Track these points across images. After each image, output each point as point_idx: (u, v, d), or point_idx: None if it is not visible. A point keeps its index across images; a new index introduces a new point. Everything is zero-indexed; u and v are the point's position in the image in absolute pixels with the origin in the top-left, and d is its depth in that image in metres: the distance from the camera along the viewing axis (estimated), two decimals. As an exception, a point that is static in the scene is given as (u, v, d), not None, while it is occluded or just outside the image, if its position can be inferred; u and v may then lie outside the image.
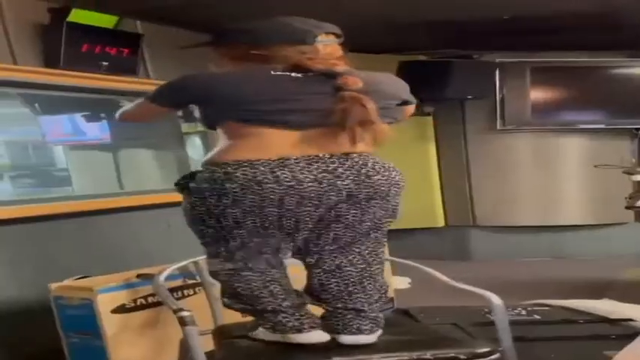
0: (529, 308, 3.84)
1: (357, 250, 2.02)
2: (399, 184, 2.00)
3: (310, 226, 1.95)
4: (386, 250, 2.21)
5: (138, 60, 4.77)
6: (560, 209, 7.09)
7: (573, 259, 6.75)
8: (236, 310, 2.08)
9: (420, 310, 3.69)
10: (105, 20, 4.65)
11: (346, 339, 2.01)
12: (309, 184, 1.87)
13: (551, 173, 7.02)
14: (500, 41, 6.14)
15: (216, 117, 2.00)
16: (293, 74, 1.94)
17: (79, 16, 4.42)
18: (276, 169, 1.85)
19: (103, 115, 5.12)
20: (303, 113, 1.93)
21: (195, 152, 5.36)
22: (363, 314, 2.01)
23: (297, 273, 2.14)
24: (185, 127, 5.27)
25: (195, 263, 2.85)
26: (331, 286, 2.02)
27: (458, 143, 7.03)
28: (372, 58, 6.16)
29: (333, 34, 2.05)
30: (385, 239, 2.10)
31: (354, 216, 1.95)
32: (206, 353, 2.04)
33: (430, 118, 6.96)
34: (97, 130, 5.11)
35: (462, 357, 1.99)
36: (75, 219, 4.35)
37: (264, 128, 1.91)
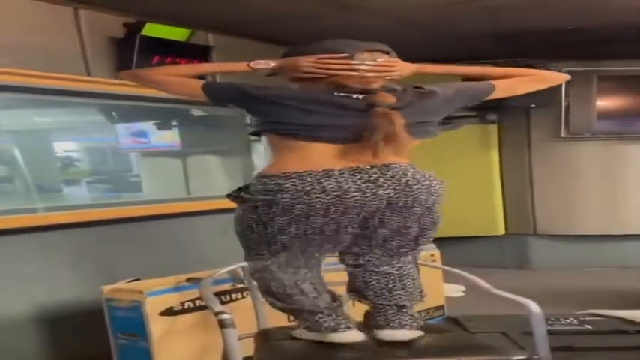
0: (581, 318, 3.79)
1: (399, 253, 2.12)
2: (438, 193, 2.07)
3: (351, 231, 2.05)
4: (437, 256, 2.26)
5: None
6: (624, 218, 6.92)
7: (636, 269, 6.47)
8: (277, 308, 2.19)
9: (470, 319, 3.67)
10: (178, 34, 4.80)
11: (388, 333, 2.11)
12: (354, 193, 1.97)
13: (616, 182, 6.88)
14: (566, 50, 6.06)
15: (260, 127, 2.16)
16: (336, 93, 2.04)
17: (153, 30, 4.58)
18: (322, 180, 1.97)
19: (174, 123, 5.31)
20: (339, 130, 2.03)
21: (261, 160, 5.44)
22: (404, 309, 2.12)
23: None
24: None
25: (243, 267, 2.90)
26: (373, 283, 2.13)
27: (521, 151, 6.97)
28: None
29: (380, 51, 2.13)
30: (425, 242, 2.16)
31: (396, 222, 2.04)
32: (247, 357, 2.10)
33: (494, 126, 6.92)
34: (168, 138, 5.30)
35: None
36: (143, 222, 4.49)
37: (306, 142, 2.03)
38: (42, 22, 4.13)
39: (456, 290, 4.95)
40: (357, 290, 2.18)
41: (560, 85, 6.47)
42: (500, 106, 6.17)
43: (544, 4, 4.79)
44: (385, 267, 2.12)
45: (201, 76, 2.27)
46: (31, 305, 3.85)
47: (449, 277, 3.62)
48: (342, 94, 2.04)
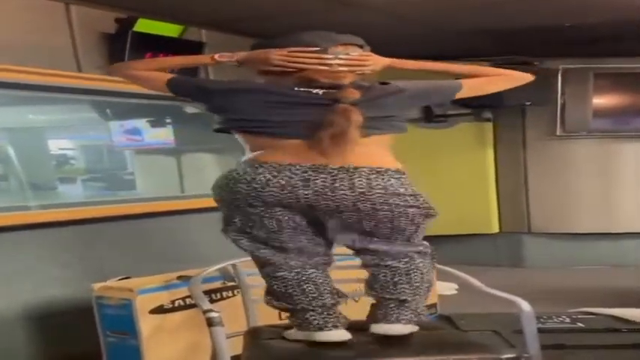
0: (573, 316, 3.80)
1: (393, 244, 2.09)
2: (370, 199, 2.00)
3: (309, 228, 2.06)
4: None
5: (199, 68, 4.86)
6: (619, 216, 6.93)
7: (632, 267, 6.57)
8: (274, 307, 2.18)
9: (462, 317, 3.67)
10: (170, 29, 4.78)
11: (381, 328, 2.09)
12: (272, 188, 1.97)
13: (611, 180, 6.89)
14: (563, 48, 6.06)
15: (222, 124, 2.17)
16: (295, 88, 2.03)
17: (145, 25, 4.55)
18: (249, 169, 2.00)
19: (167, 120, 5.29)
20: (299, 125, 2.02)
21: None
22: (406, 304, 2.09)
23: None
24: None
25: (234, 265, 2.89)
26: (380, 277, 2.11)
27: (516, 149, 6.96)
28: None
29: (353, 44, 2.10)
30: (419, 234, 2.13)
31: (341, 223, 2.04)
32: (237, 356, 2.09)
33: (490, 124, 6.90)
34: (162, 135, 5.27)
35: None
36: (136, 220, 4.48)
37: (262, 138, 2.04)
38: (33, 17, 4.10)
39: (449, 288, 4.95)
40: (368, 283, 2.17)
41: (556, 83, 6.49)
42: (495, 104, 6.17)
43: (542, 0, 4.78)
44: (391, 262, 2.09)
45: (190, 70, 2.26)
46: (20, 303, 3.83)
47: (442, 276, 3.60)
48: (302, 88, 2.03)
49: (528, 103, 6.48)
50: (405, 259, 2.09)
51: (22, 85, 3.98)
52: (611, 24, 5.26)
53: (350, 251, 2.20)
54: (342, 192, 1.97)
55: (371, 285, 2.14)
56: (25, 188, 4.36)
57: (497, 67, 2.33)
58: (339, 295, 2.16)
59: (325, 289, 2.11)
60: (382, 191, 1.99)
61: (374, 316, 2.13)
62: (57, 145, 5.25)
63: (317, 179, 1.97)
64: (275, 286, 2.11)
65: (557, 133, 6.76)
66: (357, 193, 1.97)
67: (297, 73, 2.06)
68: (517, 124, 6.84)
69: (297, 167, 1.98)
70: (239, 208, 2.04)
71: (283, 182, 1.97)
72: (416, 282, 2.11)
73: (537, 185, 6.96)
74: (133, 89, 4.37)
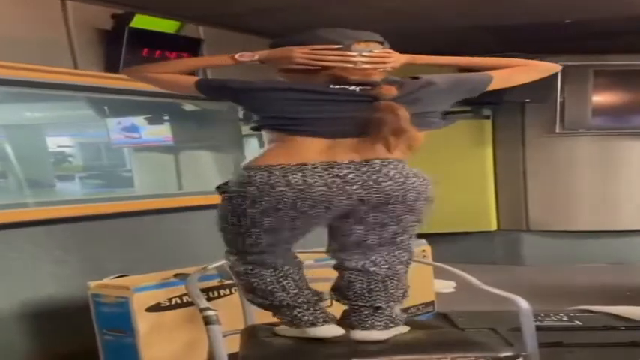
0: (571, 314, 3.81)
1: (381, 252, 2.08)
2: (417, 190, 2.01)
3: (319, 226, 2.06)
4: (428, 252, 2.22)
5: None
6: (617, 214, 6.90)
7: (631, 265, 6.58)
8: (256, 305, 2.18)
9: (460, 314, 3.68)
10: (167, 26, 4.73)
11: (358, 334, 2.09)
12: (319, 188, 1.94)
13: (610, 178, 6.86)
14: (563, 45, 6.00)
15: (256, 122, 2.11)
16: (331, 86, 2.00)
17: (141, 21, 4.51)
18: (288, 174, 1.94)
19: (165, 117, 5.27)
20: (332, 123, 2.00)
21: (253, 155, 5.39)
22: (380, 311, 2.09)
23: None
24: (244, 130, 5.34)
25: None
26: (355, 284, 2.10)
27: (515, 146, 6.93)
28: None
29: (375, 41, 2.09)
30: (411, 242, 2.14)
31: (374, 219, 2.01)
32: (234, 354, 2.06)
33: (489, 122, 6.88)
34: (160, 133, 5.25)
35: None
36: (134, 218, 4.44)
37: (294, 136, 2.00)
38: (28, 13, 4.07)
39: (447, 286, 4.95)
40: (338, 289, 2.15)
41: (555, 80, 6.46)
42: (494, 102, 6.14)
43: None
44: (370, 267, 2.08)
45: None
46: (17, 301, 3.80)
47: (440, 273, 3.61)
48: (338, 86, 2.00)
49: (528, 101, 6.45)
50: (386, 266, 2.09)
51: (18, 82, 3.94)
52: (610, 19, 5.22)
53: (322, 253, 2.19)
54: (386, 184, 1.96)
55: (343, 292, 2.13)
56: (23, 186, 4.35)
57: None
58: (319, 293, 2.16)
59: (303, 285, 2.13)
60: (417, 180, 2.01)
61: (349, 321, 2.12)
62: (55, 143, 5.25)
63: (357, 174, 1.96)
64: (255, 284, 2.12)
65: (557, 130, 6.73)
66: (400, 184, 1.97)
67: (321, 71, 2.04)
68: (516, 121, 6.81)
69: (332, 165, 1.96)
70: (278, 212, 1.98)
71: (329, 180, 1.95)
72: (391, 289, 2.10)
73: (536, 183, 6.93)
74: (130, 86, 4.38)
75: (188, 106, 5.22)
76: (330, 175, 1.95)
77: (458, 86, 2.16)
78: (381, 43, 2.09)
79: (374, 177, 1.96)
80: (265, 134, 2.11)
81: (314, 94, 2.01)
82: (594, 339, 3.43)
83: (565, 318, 3.78)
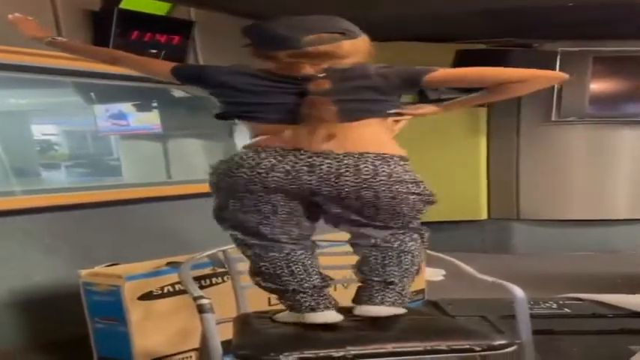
0: (560, 302, 3.86)
1: (391, 228, 2.08)
2: (373, 189, 1.99)
3: (304, 212, 2.07)
4: None
5: (187, 48, 4.75)
6: (610, 203, 6.87)
7: (621, 254, 6.59)
8: (262, 288, 2.17)
9: (450, 302, 3.69)
10: (158, 7, 4.63)
11: (365, 309, 2.09)
12: (275, 174, 1.97)
13: (602, 166, 6.82)
14: (563, 30, 5.94)
15: (219, 109, 2.16)
16: (281, 74, 2.05)
17: (131, 2, 4.40)
18: (245, 157, 2.00)
19: (154, 104, 5.19)
20: (278, 111, 2.03)
21: (243, 143, 5.33)
22: (391, 286, 2.09)
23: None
24: (235, 117, 5.27)
25: (224, 252, 2.86)
26: (370, 259, 2.11)
27: (510, 135, 6.87)
28: (429, 47, 6.04)
29: (334, 32, 2.07)
30: (417, 219, 2.13)
31: (335, 209, 2.04)
32: (225, 341, 2.03)
33: (484, 109, 6.79)
34: (148, 120, 5.18)
35: (477, 349, 1.98)
36: (121, 207, 4.39)
37: (253, 123, 2.07)
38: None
39: (437, 274, 4.97)
40: (356, 266, 2.17)
41: (554, 67, 6.38)
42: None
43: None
44: (384, 243, 2.09)
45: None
46: (5, 289, 3.76)
47: (432, 261, 3.61)
48: (282, 77, 2.04)
49: (525, 88, 6.42)
50: (398, 242, 2.09)
51: (2, 66, 3.85)
52: (615, 3, 5.07)
53: (339, 237, 2.21)
54: (347, 179, 1.97)
55: (359, 267, 2.15)
56: (9, 174, 4.27)
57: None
58: (328, 279, 2.16)
59: (313, 271, 2.12)
60: (386, 178, 1.99)
61: (358, 297, 2.13)
62: (40, 131, 5.16)
63: (322, 165, 1.97)
64: (263, 268, 2.11)
65: (553, 118, 6.66)
66: (360, 180, 1.98)
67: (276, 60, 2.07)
68: (512, 109, 6.72)
69: (302, 152, 1.98)
70: (237, 192, 2.03)
71: (288, 167, 1.98)
72: (406, 264, 2.11)
73: (529, 172, 6.89)
74: (119, 71, 4.30)
75: (178, 93, 5.14)
76: (292, 162, 1.98)
77: (390, 76, 2.11)
78: (342, 33, 2.07)
79: (332, 169, 1.97)
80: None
81: (260, 80, 2.05)
82: (583, 327, 3.48)
83: (554, 306, 3.82)
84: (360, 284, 2.15)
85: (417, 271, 2.16)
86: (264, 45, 2.09)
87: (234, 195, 2.04)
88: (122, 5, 4.32)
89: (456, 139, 6.71)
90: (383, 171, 1.98)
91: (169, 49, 4.60)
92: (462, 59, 5.49)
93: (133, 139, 5.25)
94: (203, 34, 4.90)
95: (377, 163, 1.98)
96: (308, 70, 2.03)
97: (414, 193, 2.02)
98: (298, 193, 2.01)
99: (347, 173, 1.97)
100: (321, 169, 1.97)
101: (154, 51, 4.53)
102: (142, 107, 5.15)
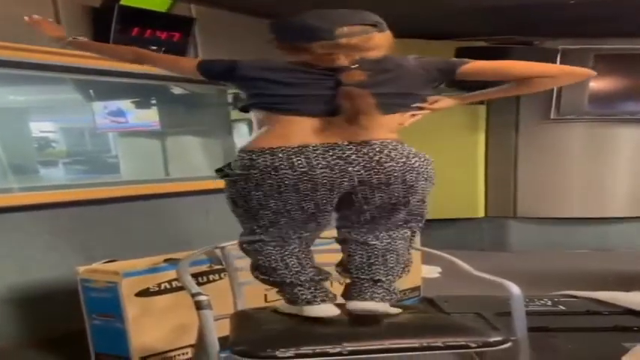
0: (555, 299, 3.87)
1: (385, 227, 2.13)
2: (417, 171, 2.04)
3: (330, 208, 2.08)
4: (417, 238, 2.29)
5: (188, 45, 4.74)
6: (607, 201, 6.86)
7: (616, 252, 6.60)
8: (261, 281, 2.23)
9: (445, 299, 3.71)
10: (158, 4, 4.59)
11: (356, 305, 2.13)
12: (322, 170, 1.98)
13: (602, 164, 6.80)
14: (564, 27, 5.89)
15: (246, 102, 2.16)
16: (313, 67, 2.05)
17: (132, -1, 4.39)
18: (292, 157, 1.98)
19: (152, 101, 5.17)
20: (320, 102, 2.03)
21: (242, 140, 5.33)
22: (379, 284, 2.13)
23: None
24: (233, 114, 5.28)
25: (221, 249, 2.88)
26: (356, 257, 2.15)
27: (508, 133, 6.85)
28: (429, 45, 6.03)
29: (368, 24, 2.09)
30: (416, 219, 2.17)
31: (380, 199, 2.04)
32: (223, 337, 2.05)
33: (483, 106, 6.77)
34: (147, 117, 5.16)
35: (472, 345, 1.99)
36: (119, 204, 4.39)
37: (284, 116, 2.04)
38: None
39: (433, 271, 4.98)
40: (341, 264, 2.22)
41: (554, 64, 6.38)
42: (490, 86, 6.07)
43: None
44: (372, 241, 2.13)
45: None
46: (3, 286, 3.77)
47: (428, 258, 3.62)
48: (317, 69, 2.04)
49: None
50: (387, 240, 2.14)
51: (1, 62, 3.84)
52: (614, 2, 5.06)
53: (333, 235, 2.23)
54: (391, 164, 2.00)
55: (345, 267, 2.19)
56: (7, 171, 4.26)
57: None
58: (324, 272, 2.20)
59: (308, 264, 2.17)
60: (420, 160, 2.05)
61: (348, 293, 2.17)
62: (38, 128, 5.15)
63: (366, 154, 1.99)
64: (260, 261, 2.17)
65: (552, 116, 6.64)
66: (402, 164, 2.01)
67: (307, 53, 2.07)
68: (511, 106, 6.71)
69: (339, 145, 1.99)
70: (281, 194, 2.02)
71: (332, 161, 1.99)
72: (390, 263, 2.14)
73: (527, 170, 6.88)
74: (117, 67, 4.31)
75: (176, 90, 5.13)
76: (333, 157, 1.98)
77: (430, 66, 2.14)
78: (374, 25, 2.09)
79: (376, 157, 1.99)
80: (256, 115, 2.15)
81: (301, 74, 2.05)
82: (578, 324, 3.51)
83: (549, 303, 3.88)
84: (348, 282, 2.20)
85: (404, 269, 2.19)
86: (297, 38, 2.08)
87: (278, 196, 2.02)
88: (123, 2, 4.30)
89: (454, 136, 6.70)
90: (413, 154, 2.03)
91: (170, 45, 4.58)
92: (462, 56, 5.44)
93: (132, 136, 5.24)
94: (203, 31, 4.89)
95: (404, 147, 2.04)
96: (342, 61, 2.04)
97: (428, 179, 2.09)
98: (342, 186, 2.01)
99: (388, 159, 1.99)
100: (365, 158, 1.98)
101: (154, 47, 4.50)
102: (141, 104, 5.13)
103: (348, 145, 1.99)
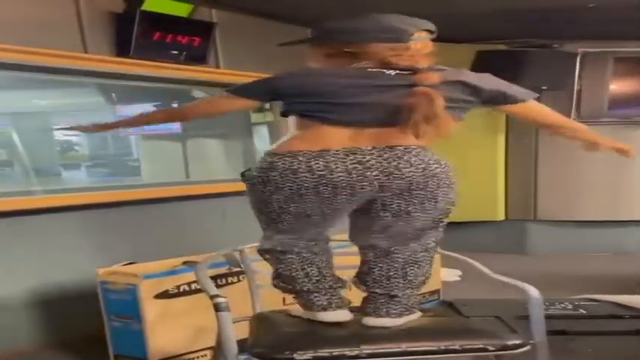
0: (576, 303, 3.82)
1: (405, 239, 2.06)
2: (437, 177, 1.99)
3: (351, 213, 2.05)
4: None
5: (208, 49, 4.76)
6: (628, 204, 6.79)
7: (637, 255, 6.47)
8: (280, 289, 2.20)
9: (464, 303, 3.67)
10: (180, 9, 4.63)
11: (371, 321, 2.09)
12: (340, 174, 1.93)
13: (622, 168, 6.64)
14: (584, 30, 5.86)
15: (285, 107, 2.10)
16: (370, 70, 2.00)
17: (153, 4, 4.40)
18: (312, 160, 1.95)
19: (174, 105, 5.20)
20: (363, 109, 1.97)
21: (263, 143, 5.35)
22: (396, 299, 2.09)
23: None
24: (254, 117, 5.30)
25: (240, 251, 2.87)
26: (375, 270, 2.10)
27: (528, 135, 6.80)
28: (450, 48, 6.00)
29: (427, 30, 2.08)
30: (437, 229, 2.10)
31: (398, 205, 1.98)
32: (242, 340, 2.05)
33: (503, 110, 6.73)
34: (168, 120, 5.18)
35: (490, 348, 1.97)
36: (141, 206, 4.41)
37: (320, 124, 1.99)
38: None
39: (453, 275, 4.95)
40: (359, 275, 2.16)
41: (574, 67, 6.33)
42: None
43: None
44: (394, 252, 2.07)
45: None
46: (25, 288, 3.80)
47: (448, 262, 3.60)
48: (375, 69, 1.99)
49: (544, 88, 6.34)
50: (408, 252, 2.07)
51: (25, 67, 3.88)
52: (634, 5, 5.00)
53: (346, 238, 2.18)
54: (408, 170, 1.95)
55: (363, 279, 2.14)
56: (30, 174, 4.31)
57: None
58: (342, 280, 2.18)
59: (328, 272, 2.14)
60: (441, 167, 2.00)
61: (364, 309, 2.14)
62: (61, 131, 5.20)
63: (378, 160, 1.95)
64: (280, 270, 2.14)
65: (572, 119, 6.62)
66: (421, 171, 1.96)
67: (369, 56, 2.02)
68: (532, 109, 6.71)
69: (362, 150, 1.95)
70: (302, 197, 1.98)
71: (350, 166, 1.94)
72: (410, 276, 2.09)
73: (547, 172, 6.82)
74: (140, 71, 4.35)
75: (197, 94, 5.16)
76: (353, 161, 1.94)
77: (485, 91, 2.08)
78: (432, 32, 2.08)
79: (394, 163, 1.95)
80: (294, 121, 2.10)
81: (360, 79, 1.99)
82: (598, 327, 3.47)
83: (570, 307, 3.81)
84: (364, 295, 2.15)
85: (424, 282, 2.14)
86: (371, 39, 2.02)
87: (299, 194, 1.98)
88: (144, 7, 4.33)
89: (474, 138, 6.64)
90: (434, 161, 1.99)
91: (190, 50, 4.62)
92: (482, 60, 5.44)
93: (153, 139, 5.28)
94: (224, 36, 4.92)
95: (426, 153, 1.99)
96: (412, 64, 2.00)
97: (451, 185, 2.03)
98: (363, 192, 1.96)
99: (407, 165, 1.95)
100: (383, 163, 1.94)
101: (175, 52, 4.56)
102: (163, 107, 5.15)
103: (370, 150, 1.95)
